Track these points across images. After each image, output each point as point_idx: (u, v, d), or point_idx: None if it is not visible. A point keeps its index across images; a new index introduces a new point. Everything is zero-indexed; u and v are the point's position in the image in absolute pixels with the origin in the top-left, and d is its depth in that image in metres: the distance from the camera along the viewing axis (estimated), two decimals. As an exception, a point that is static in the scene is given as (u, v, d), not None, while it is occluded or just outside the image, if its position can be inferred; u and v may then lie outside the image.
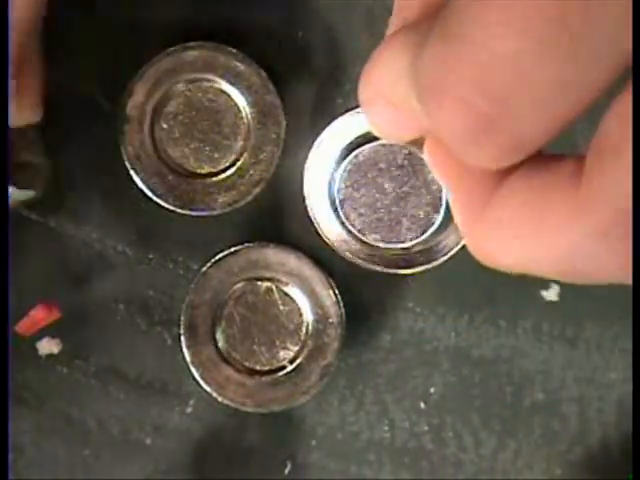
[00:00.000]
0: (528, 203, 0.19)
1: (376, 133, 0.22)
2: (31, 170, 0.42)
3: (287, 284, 0.45)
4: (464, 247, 0.46)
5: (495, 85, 0.17)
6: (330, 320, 0.45)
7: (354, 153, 0.23)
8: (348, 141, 0.23)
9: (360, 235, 0.27)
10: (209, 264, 0.45)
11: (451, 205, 0.22)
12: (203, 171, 0.45)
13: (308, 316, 0.45)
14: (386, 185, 0.25)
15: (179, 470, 0.46)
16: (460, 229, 0.22)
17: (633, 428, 0.45)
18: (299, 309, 0.45)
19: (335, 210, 0.30)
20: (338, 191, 0.23)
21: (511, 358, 0.46)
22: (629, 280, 0.18)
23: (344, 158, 0.23)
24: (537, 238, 0.19)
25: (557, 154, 0.19)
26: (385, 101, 0.21)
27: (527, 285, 0.46)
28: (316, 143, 0.29)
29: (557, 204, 0.18)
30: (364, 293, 0.46)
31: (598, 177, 0.17)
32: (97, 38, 0.45)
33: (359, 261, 0.27)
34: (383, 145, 0.23)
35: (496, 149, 0.18)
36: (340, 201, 0.25)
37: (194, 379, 0.45)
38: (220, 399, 0.45)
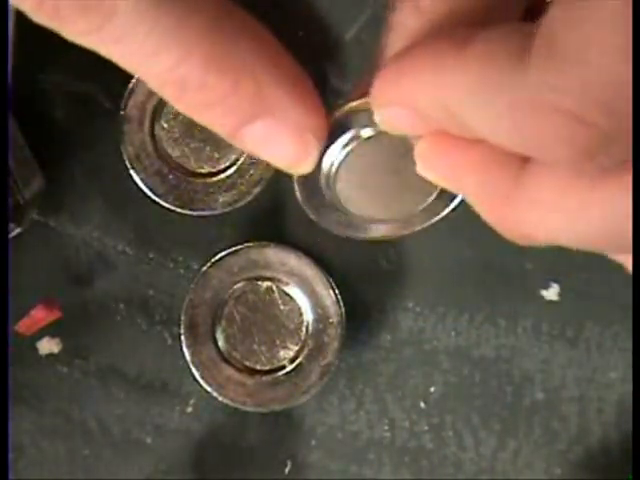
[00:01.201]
0: (569, 175, 0.20)
1: (383, 127, 0.22)
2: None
3: (287, 284, 0.45)
4: (464, 248, 0.46)
5: (620, 104, 0.17)
6: (330, 320, 0.45)
7: (350, 146, 0.23)
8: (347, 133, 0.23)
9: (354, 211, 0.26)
10: (209, 264, 0.45)
11: (470, 199, 0.22)
12: (203, 171, 0.45)
13: (308, 316, 0.45)
14: (384, 174, 0.25)
15: (179, 470, 0.46)
16: (486, 217, 0.22)
17: (633, 428, 0.45)
18: (299, 309, 0.45)
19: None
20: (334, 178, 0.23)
21: (511, 358, 0.46)
22: None
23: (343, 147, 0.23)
24: (587, 209, 0.20)
25: None
26: (408, 107, 0.21)
27: (527, 285, 0.46)
28: None
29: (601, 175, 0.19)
30: (364, 293, 0.46)
31: None
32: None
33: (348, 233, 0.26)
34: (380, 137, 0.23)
35: (609, 160, 0.19)
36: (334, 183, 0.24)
37: (194, 379, 0.45)
38: (220, 399, 0.45)
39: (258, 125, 0.22)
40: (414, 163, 0.22)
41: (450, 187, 0.22)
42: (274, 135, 0.22)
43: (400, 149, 0.23)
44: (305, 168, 0.23)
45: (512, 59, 0.19)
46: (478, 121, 0.20)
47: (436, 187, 0.24)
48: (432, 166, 0.22)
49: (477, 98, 0.19)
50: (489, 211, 0.22)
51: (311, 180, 0.24)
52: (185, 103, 0.21)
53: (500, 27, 0.19)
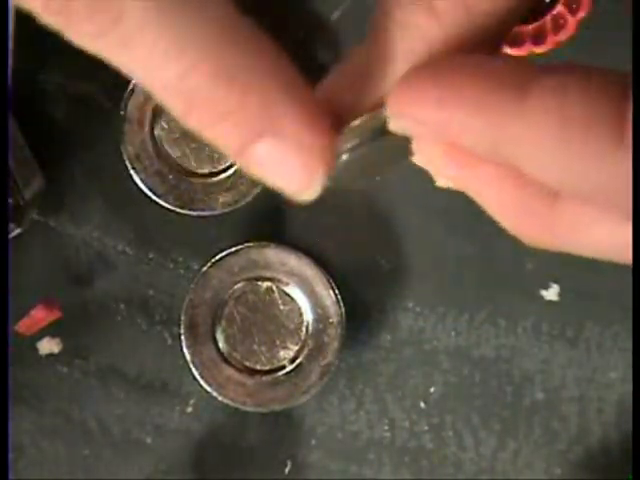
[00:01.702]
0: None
1: (394, 129, 0.21)
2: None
3: (287, 284, 0.45)
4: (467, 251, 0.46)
5: None
6: (330, 320, 0.45)
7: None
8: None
9: None
10: (209, 264, 0.45)
11: (486, 206, 0.22)
12: (203, 171, 0.45)
13: (308, 316, 0.45)
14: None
15: (179, 470, 0.46)
16: (505, 224, 0.22)
17: (633, 428, 0.45)
18: (299, 309, 0.45)
19: None
20: None
21: (511, 358, 0.46)
22: None
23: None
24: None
25: None
26: (441, 131, 0.20)
27: (527, 285, 0.46)
28: None
29: None
30: (364, 293, 0.46)
31: None
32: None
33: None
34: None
35: None
36: None
37: (194, 379, 0.45)
38: (220, 398, 0.45)
39: (265, 144, 0.21)
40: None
41: (462, 189, 0.22)
42: (281, 155, 0.21)
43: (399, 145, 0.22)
44: (310, 193, 0.22)
45: (612, 133, 0.18)
46: (536, 169, 0.19)
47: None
48: (444, 175, 0.22)
49: (554, 158, 0.19)
50: (514, 224, 0.22)
51: None
52: (192, 117, 0.21)
53: (556, 74, 0.19)
